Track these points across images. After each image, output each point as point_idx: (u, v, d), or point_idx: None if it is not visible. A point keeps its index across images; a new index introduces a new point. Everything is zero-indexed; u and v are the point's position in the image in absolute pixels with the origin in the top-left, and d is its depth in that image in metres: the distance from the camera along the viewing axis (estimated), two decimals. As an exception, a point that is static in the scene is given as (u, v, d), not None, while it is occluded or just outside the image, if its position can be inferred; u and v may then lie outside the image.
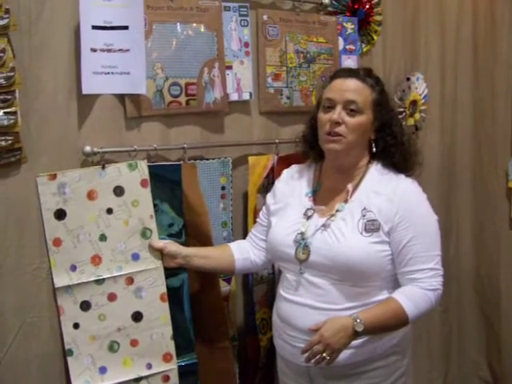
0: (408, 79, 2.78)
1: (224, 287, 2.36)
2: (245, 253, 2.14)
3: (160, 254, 2.09)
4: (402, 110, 2.73)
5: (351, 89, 1.87)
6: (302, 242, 1.89)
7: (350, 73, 1.93)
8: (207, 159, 2.28)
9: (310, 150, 2.05)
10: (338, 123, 1.85)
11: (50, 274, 1.99)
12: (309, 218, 1.92)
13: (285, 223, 1.97)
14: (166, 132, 2.20)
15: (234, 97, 2.33)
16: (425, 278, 1.84)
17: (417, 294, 1.84)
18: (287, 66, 2.48)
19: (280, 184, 2.10)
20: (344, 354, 1.81)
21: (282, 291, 1.99)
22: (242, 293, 2.47)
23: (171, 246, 2.07)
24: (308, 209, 1.95)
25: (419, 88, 2.77)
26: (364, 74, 1.93)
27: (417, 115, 2.79)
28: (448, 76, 3.02)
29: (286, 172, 2.14)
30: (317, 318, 1.82)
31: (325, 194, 1.96)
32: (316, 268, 1.87)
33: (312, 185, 2.01)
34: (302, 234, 1.90)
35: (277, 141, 2.39)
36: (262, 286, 2.44)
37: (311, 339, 1.77)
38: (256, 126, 2.43)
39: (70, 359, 2.02)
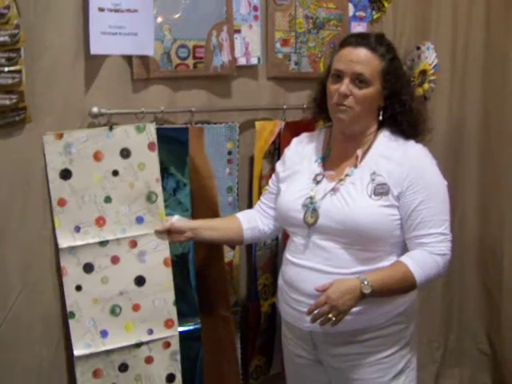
0: (418, 48, 2.74)
1: (228, 253, 2.36)
2: (252, 222, 2.12)
3: (164, 218, 2.08)
4: (411, 79, 2.67)
5: (359, 60, 1.84)
6: (310, 206, 1.88)
7: (359, 40, 1.89)
8: (214, 123, 2.26)
9: (320, 114, 2.04)
10: (345, 95, 1.84)
11: (54, 235, 1.98)
12: (318, 182, 1.92)
13: (294, 189, 1.96)
14: (172, 95, 2.18)
15: (242, 61, 2.31)
16: (433, 242, 1.83)
17: (425, 258, 1.83)
18: (296, 32, 2.45)
19: (289, 152, 2.09)
20: (348, 321, 1.81)
21: (288, 255, 1.99)
22: (245, 259, 2.48)
23: (178, 222, 2.06)
24: (317, 174, 1.94)
25: (429, 58, 2.72)
26: (375, 40, 1.89)
27: (426, 85, 2.75)
28: (459, 46, 2.98)
29: (295, 140, 2.12)
30: (323, 281, 1.81)
31: (334, 160, 1.96)
32: (324, 232, 1.86)
33: (321, 151, 2.00)
34: (310, 198, 1.89)
35: (284, 106, 2.37)
36: (265, 251, 2.44)
37: (318, 300, 1.77)
38: (263, 91, 2.40)
39: (71, 322, 2.02)
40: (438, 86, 2.86)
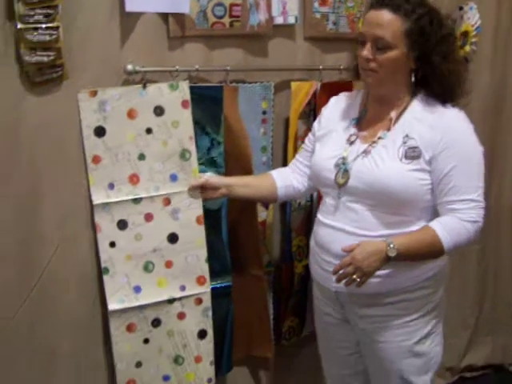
0: (461, 8, 2.65)
1: (261, 213, 2.36)
2: (287, 180, 2.12)
3: (197, 176, 2.09)
4: (452, 40, 2.63)
5: (380, 23, 1.78)
6: (342, 167, 1.87)
7: (382, 1, 1.80)
8: (249, 83, 2.24)
9: (359, 76, 1.98)
10: (368, 60, 1.81)
11: (89, 192, 2.01)
12: (351, 143, 1.90)
13: (328, 148, 1.95)
14: (208, 53, 2.17)
15: (279, 20, 2.26)
16: (465, 208, 1.79)
17: (455, 224, 1.80)
18: (335, -9, 2.39)
19: (326, 110, 2.07)
20: (374, 283, 1.82)
21: (319, 216, 1.99)
22: (279, 219, 2.47)
23: (212, 178, 2.07)
24: (351, 134, 1.92)
25: (472, 18, 2.64)
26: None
27: (467, 47, 2.67)
28: (504, 8, 2.88)
29: (333, 99, 2.10)
30: (350, 243, 1.81)
31: (369, 122, 1.93)
32: (353, 193, 1.85)
33: (357, 112, 1.98)
34: (343, 158, 1.88)
35: (320, 67, 2.33)
36: (299, 213, 2.44)
37: (343, 260, 1.78)
38: (300, 51, 2.36)
39: (105, 277, 2.05)
40: (480, 48, 2.78)
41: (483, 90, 2.86)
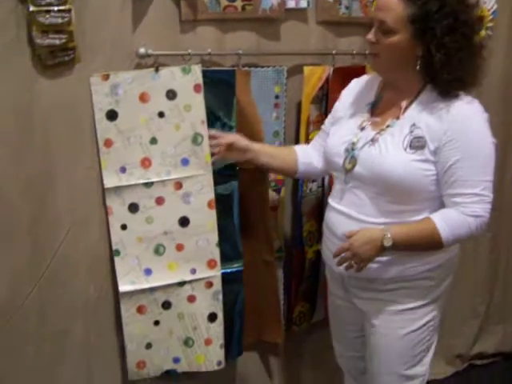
0: (477, -7, 2.62)
1: (273, 198, 2.36)
2: (308, 157, 2.13)
3: (209, 160, 2.08)
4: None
5: (383, 6, 1.75)
6: (350, 153, 1.87)
7: None
8: (262, 67, 2.23)
9: None
10: (372, 43, 1.80)
11: (101, 175, 2.02)
12: (362, 129, 1.89)
13: (340, 133, 1.95)
14: (220, 37, 2.16)
15: (291, 4, 2.25)
16: (468, 202, 1.75)
17: (455, 218, 1.76)
18: (348, -26, 2.37)
19: (345, 93, 2.07)
20: (375, 268, 1.84)
21: (329, 199, 2.01)
22: (290, 204, 2.47)
23: (241, 140, 2.06)
24: (364, 120, 1.91)
25: (488, 3, 2.60)
26: None
27: (482, 32, 2.64)
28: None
29: (354, 81, 2.09)
30: (353, 228, 1.83)
31: (382, 108, 1.91)
32: (359, 179, 1.85)
33: (373, 97, 1.96)
34: (352, 144, 1.88)
35: (333, 52, 2.31)
36: (310, 198, 2.43)
37: (342, 244, 1.81)
38: (312, 35, 2.34)
39: (116, 259, 2.07)
40: (496, 33, 2.75)
41: (498, 76, 2.83)
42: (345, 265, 1.82)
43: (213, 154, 2.08)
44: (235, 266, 2.23)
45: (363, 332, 2.07)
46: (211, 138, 2.07)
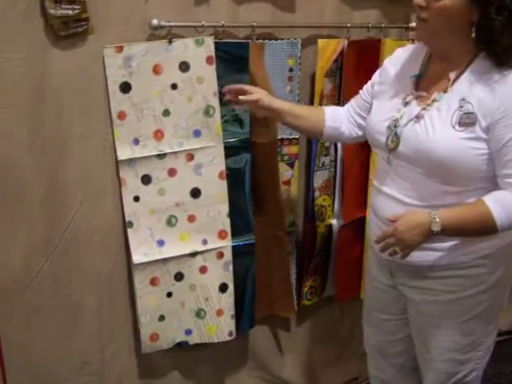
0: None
1: (286, 171, 2.36)
2: (337, 122, 2.03)
3: (220, 132, 2.09)
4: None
5: None
6: (393, 130, 1.76)
7: None
8: (276, 39, 2.21)
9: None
10: (421, 7, 1.63)
11: (114, 147, 2.02)
12: (406, 104, 1.77)
13: (383, 108, 1.84)
14: (234, 9, 2.14)
15: (307, -24, 2.23)
16: None
17: (511, 200, 1.63)
18: None
19: (388, 63, 1.93)
20: (424, 255, 1.74)
21: (374, 181, 1.93)
22: (304, 179, 2.46)
23: (265, 98, 1.97)
24: (408, 94, 1.78)
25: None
26: None
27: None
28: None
29: (398, 51, 1.94)
30: (397, 210, 1.73)
31: (428, 81, 1.77)
32: (403, 159, 1.74)
33: (419, 68, 1.82)
34: (395, 120, 1.76)
35: (348, 25, 2.28)
36: (323, 172, 2.41)
37: (386, 230, 1.71)
38: (328, 7, 2.31)
39: (129, 231, 2.08)
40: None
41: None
42: (389, 251, 1.71)
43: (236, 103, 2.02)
44: (246, 238, 2.23)
45: (401, 317, 2.01)
46: (237, 91, 1.99)
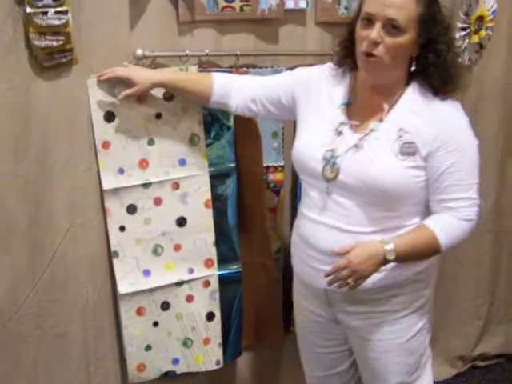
0: (476, -8, 2.61)
1: (272, 199, 2.36)
2: (224, 97, 1.98)
3: (206, 161, 2.10)
4: (466, 26, 2.57)
5: (394, 4, 1.63)
6: (330, 160, 1.75)
7: None
8: (260, 67, 2.22)
9: (345, 59, 1.85)
10: (376, 43, 1.65)
11: (99, 176, 2.02)
12: (340, 133, 1.77)
13: (314, 136, 1.82)
14: (218, 38, 2.16)
15: (290, 5, 2.24)
16: (461, 207, 1.74)
17: (451, 223, 1.74)
18: (347, -25, 2.37)
19: (315, 78, 1.90)
20: (370, 278, 1.74)
21: (304, 210, 1.88)
22: (289, 205, 2.45)
23: (143, 81, 1.93)
24: (341, 122, 1.78)
25: (487, 2, 2.59)
26: None
27: (482, 32, 2.62)
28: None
29: (320, 70, 1.93)
30: (340, 239, 1.74)
31: (359, 109, 1.79)
32: (344, 188, 1.75)
33: (346, 96, 1.83)
34: (331, 150, 1.76)
35: (332, 52, 2.28)
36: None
37: (338, 263, 1.69)
38: (311, 36, 2.33)
39: (115, 261, 2.07)
40: (496, 33, 2.74)
41: (498, 77, 2.81)
42: (337, 284, 1.71)
43: None
44: (234, 267, 2.23)
45: (342, 348, 2.02)
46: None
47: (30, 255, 1.98)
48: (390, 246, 1.69)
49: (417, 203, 1.78)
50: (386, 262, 1.70)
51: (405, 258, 1.73)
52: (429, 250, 1.77)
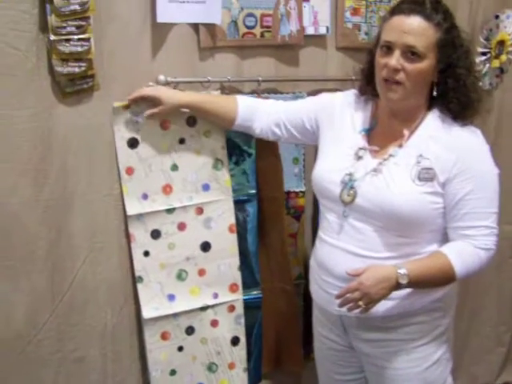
0: (497, 17, 2.58)
1: (293, 224, 2.35)
2: (249, 116, 2.02)
3: (230, 185, 2.10)
4: (486, 50, 2.58)
5: (412, 31, 1.65)
6: (348, 184, 1.77)
7: (413, 7, 1.68)
8: (281, 93, 2.23)
9: (367, 86, 1.86)
10: (396, 70, 1.67)
11: (120, 201, 2.03)
12: (359, 158, 1.79)
13: (333, 159, 1.85)
14: (239, 64, 2.18)
15: (311, 30, 2.27)
16: (479, 235, 1.71)
17: (468, 251, 1.71)
18: (366, 0, 2.37)
19: (339, 104, 1.93)
20: (381, 306, 1.71)
21: (321, 233, 1.90)
22: (310, 230, 2.44)
23: (168, 101, 1.96)
24: (360, 148, 1.80)
25: (508, 27, 2.58)
26: (430, 7, 1.68)
27: (503, 57, 2.61)
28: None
29: (344, 96, 1.95)
30: (355, 264, 1.72)
31: (379, 135, 1.81)
32: (361, 212, 1.75)
33: (367, 122, 1.85)
34: (350, 174, 1.77)
35: (353, 77, 2.29)
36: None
37: (349, 285, 1.67)
38: (332, 61, 2.35)
39: (139, 286, 2.06)
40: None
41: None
42: (348, 306, 1.68)
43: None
44: (254, 293, 2.22)
45: (360, 376, 1.99)
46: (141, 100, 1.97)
47: (50, 279, 1.97)
48: (402, 270, 1.66)
49: (434, 230, 1.77)
50: (398, 286, 1.67)
51: (418, 283, 1.69)
52: (443, 277, 1.73)
